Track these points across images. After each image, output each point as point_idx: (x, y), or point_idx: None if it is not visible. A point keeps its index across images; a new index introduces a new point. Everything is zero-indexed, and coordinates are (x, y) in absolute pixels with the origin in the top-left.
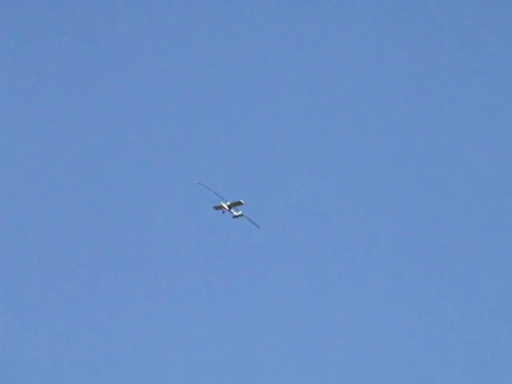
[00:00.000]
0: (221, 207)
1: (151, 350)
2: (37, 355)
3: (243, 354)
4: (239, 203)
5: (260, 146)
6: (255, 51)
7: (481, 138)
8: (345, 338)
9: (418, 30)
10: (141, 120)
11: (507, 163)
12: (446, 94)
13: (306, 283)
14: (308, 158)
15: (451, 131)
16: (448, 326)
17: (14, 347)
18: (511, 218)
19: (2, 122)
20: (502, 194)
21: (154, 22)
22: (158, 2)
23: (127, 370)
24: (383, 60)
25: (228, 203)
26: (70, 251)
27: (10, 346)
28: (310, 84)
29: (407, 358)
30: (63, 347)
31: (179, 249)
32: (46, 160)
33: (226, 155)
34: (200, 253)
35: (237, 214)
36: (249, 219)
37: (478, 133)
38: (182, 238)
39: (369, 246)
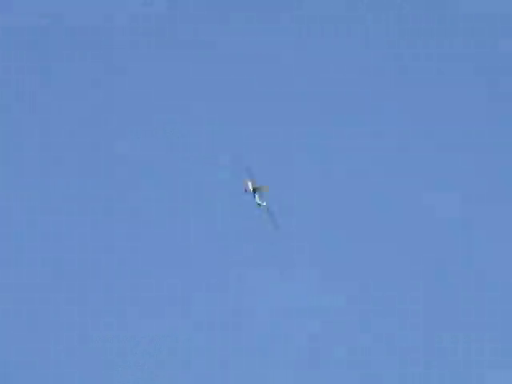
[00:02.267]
0: (246, 186)
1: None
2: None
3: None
4: (263, 189)
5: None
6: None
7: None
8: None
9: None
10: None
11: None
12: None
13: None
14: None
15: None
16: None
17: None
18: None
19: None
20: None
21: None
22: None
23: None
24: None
25: (253, 185)
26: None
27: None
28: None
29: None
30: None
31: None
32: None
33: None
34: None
35: (261, 202)
36: (270, 215)
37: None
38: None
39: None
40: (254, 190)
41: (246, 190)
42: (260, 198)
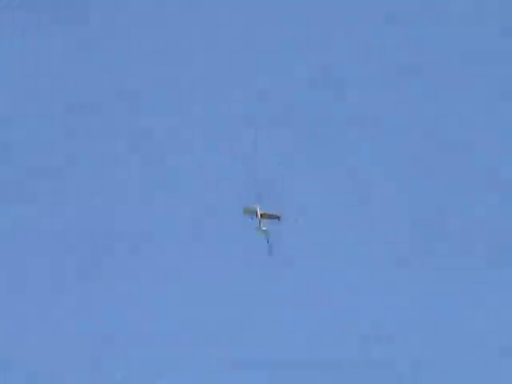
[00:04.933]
0: (252, 212)
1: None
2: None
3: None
4: (276, 217)
5: None
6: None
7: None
8: None
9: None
10: None
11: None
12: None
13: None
14: None
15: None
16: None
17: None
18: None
19: None
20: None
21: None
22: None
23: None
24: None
25: (262, 212)
26: None
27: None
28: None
29: None
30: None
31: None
32: None
33: None
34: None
35: (263, 228)
36: (268, 242)
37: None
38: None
39: None
40: (262, 216)
41: (251, 218)
42: (264, 225)
